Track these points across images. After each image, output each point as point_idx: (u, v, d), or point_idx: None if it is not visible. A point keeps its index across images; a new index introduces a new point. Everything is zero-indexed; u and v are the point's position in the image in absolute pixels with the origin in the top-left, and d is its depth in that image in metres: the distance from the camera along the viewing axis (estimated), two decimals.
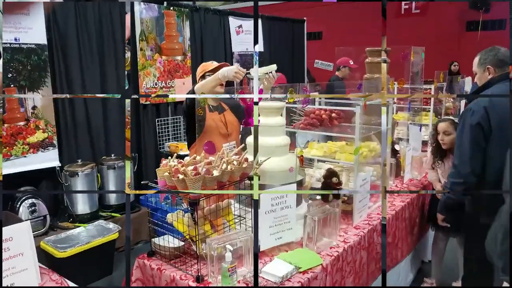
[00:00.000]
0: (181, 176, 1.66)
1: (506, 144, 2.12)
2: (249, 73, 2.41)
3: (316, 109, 2.62)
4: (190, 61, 4.53)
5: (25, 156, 3.27)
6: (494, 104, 2.18)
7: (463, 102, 4.19)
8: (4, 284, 1.55)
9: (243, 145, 2.03)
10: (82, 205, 3.53)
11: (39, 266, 1.75)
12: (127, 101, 1.40)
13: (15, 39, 3.06)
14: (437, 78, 4.03)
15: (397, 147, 3.31)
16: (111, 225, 3.38)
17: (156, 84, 4.15)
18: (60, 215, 3.61)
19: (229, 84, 2.73)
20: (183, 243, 1.91)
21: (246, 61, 5.33)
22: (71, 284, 1.81)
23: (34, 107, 3.27)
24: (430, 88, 4.00)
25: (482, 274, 2.28)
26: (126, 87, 2.62)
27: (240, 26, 5.18)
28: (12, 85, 3.13)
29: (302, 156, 2.22)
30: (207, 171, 1.70)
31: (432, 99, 4.00)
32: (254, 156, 1.48)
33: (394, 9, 9.59)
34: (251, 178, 1.89)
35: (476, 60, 2.40)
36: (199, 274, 1.71)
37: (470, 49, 7.92)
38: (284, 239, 2.01)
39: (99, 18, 3.72)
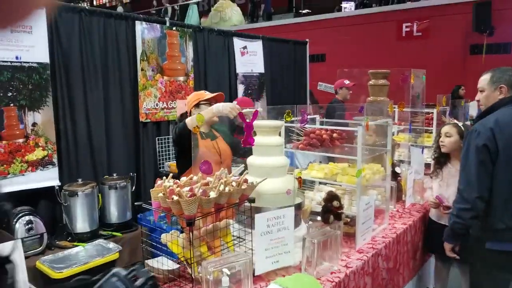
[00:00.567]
0: (175, 198, 1.63)
1: None
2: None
3: (317, 129, 2.59)
4: (193, 82, 4.54)
5: (23, 175, 3.24)
6: (500, 125, 2.14)
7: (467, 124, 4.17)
8: None
9: (242, 165, 1.99)
10: (81, 223, 3.46)
11: None
12: None
13: (16, 58, 3.07)
14: (439, 102, 4.02)
15: (398, 169, 3.27)
16: (111, 244, 3.31)
17: (157, 105, 4.15)
18: (58, 233, 3.55)
19: None
20: (178, 265, 1.86)
21: (251, 82, 5.36)
22: None
23: (34, 124, 3.26)
24: (432, 112, 3.99)
25: None
26: None
27: (245, 47, 5.23)
28: (11, 104, 3.12)
29: (300, 177, 2.17)
30: (203, 193, 1.66)
31: (435, 121, 3.98)
32: None
33: (395, 32, 9.69)
34: (251, 200, 1.85)
35: (486, 77, 2.35)
36: None
37: (475, 73, 7.95)
38: (281, 263, 1.95)
39: (104, 35, 3.75)
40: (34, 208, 3.34)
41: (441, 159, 2.97)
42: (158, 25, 4.18)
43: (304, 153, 2.70)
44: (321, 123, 2.88)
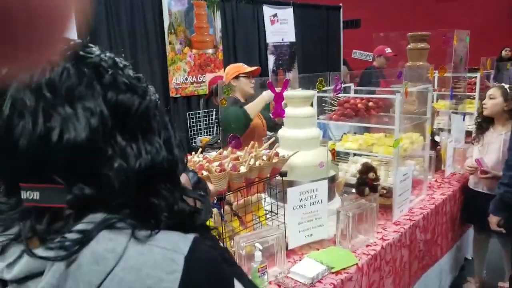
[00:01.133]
0: (205, 173, 1.60)
1: None
2: None
3: (351, 98, 2.48)
4: (222, 54, 4.47)
5: None
6: None
7: None
8: None
9: (273, 138, 1.94)
10: None
11: None
12: None
13: None
14: (484, 65, 3.75)
15: (437, 138, 3.11)
16: None
17: (186, 79, 4.12)
18: None
19: None
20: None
21: (281, 52, 5.21)
22: None
23: None
24: (476, 77, 3.73)
25: None
26: None
27: (275, 15, 5.05)
28: None
29: (334, 149, 2.09)
30: (233, 167, 1.62)
31: (478, 86, 3.73)
32: None
33: None
34: (282, 174, 1.80)
35: None
36: None
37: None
38: (315, 236, 1.91)
39: (131, 9, 3.72)
40: None
41: (483, 123, 2.79)
42: None
43: (338, 124, 2.60)
44: (356, 92, 2.75)
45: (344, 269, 1.74)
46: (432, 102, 2.91)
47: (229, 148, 1.84)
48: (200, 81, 4.22)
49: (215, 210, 1.82)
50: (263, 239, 1.65)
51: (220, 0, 4.45)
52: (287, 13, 5.25)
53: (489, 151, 2.74)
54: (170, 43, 3.94)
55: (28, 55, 0.32)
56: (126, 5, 3.69)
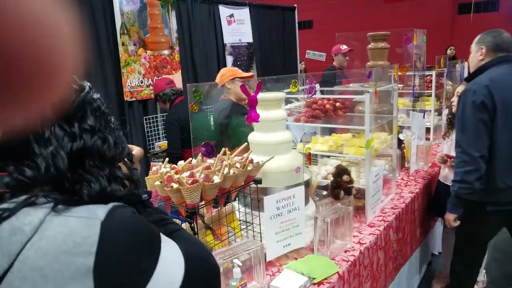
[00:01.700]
0: (175, 185, 1.45)
1: None
2: None
3: (319, 99, 2.42)
4: (179, 55, 4.28)
5: None
6: (496, 82, 2.06)
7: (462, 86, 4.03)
8: None
9: (245, 144, 1.82)
10: None
11: None
12: None
13: None
14: (438, 63, 3.85)
15: (401, 136, 3.14)
16: None
17: (141, 82, 3.90)
18: None
19: None
20: None
21: (239, 53, 5.10)
22: None
23: None
24: (431, 74, 3.83)
25: None
26: None
27: (231, 16, 4.94)
28: None
29: (310, 153, 2.01)
30: (206, 178, 1.49)
31: (433, 83, 3.83)
32: None
33: None
34: (257, 182, 1.68)
35: (476, 38, 2.30)
36: None
37: (464, 33, 7.79)
38: (293, 245, 1.82)
39: (78, 8, 3.45)
40: None
41: (453, 119, 2.84)
42: None
43: (298, 125, 2.53)
44: (321, 92, 2.70)
45: (325, 278, 1.66)
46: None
47: (199, 156, 1.70)
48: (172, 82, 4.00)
49: (186, 225, 1.68)
50: (241, 254, 1.53)
51: None
52: (243, 14, 5.16)
53: None
54: (123, 44, 3.70)
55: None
56: (73, 5, 3.41)
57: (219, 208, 1.69)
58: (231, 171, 1.58)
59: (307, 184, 1.94)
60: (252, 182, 1.71)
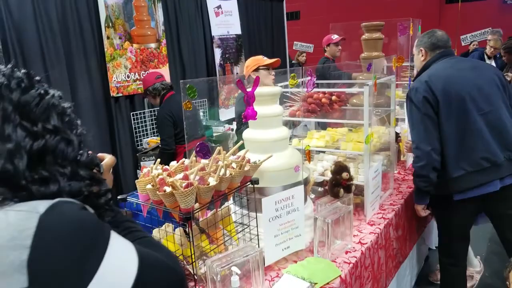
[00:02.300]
0: (168, 189, 1.35)
1: (457, 117, 2.10)
2: None
3: (314, 93, 2.33)
4: (166, 49, 4.13)
5: None
6: (434, 77, 2.17)
7: None
8: None
9: (241, 142, 1.72)
10: None
11: None
12: None
13: None
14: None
15: (397, 129, 3.07)
16: None
17: (128, 77, 3.75)
18: None
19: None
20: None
21: (228, 45, 4.96)
22: None
23: None
24: None
25: None
26: None
27: (219, 7, 4.78)
28: None
29: (309, 150, 1.92)
30: (201, 180, 1.39)
31: None
32: None
33: None
34: (254, 182, 1.59)
35: (415, 42, 2.45)
36: None
37: (452, 22, 7.77)
38: (292, 248, 1.74)
39: (61, 1, 3.28)
40: None
41: None
42: None
43: (290, 120, 2.44)
44: (317, 86, 2.60)
45: (328, 283, 1.58)
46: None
47: (192, 157, 1.60)
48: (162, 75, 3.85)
49: (180, 230, 1.58)
50: (239, 260, 1.44)
51: None
52: (231, 5, 5.02)
53: None
54: (108, 37, 3.54)
55: None
56: None
57: (215, 211, 1.60)
58: (227, 172, 1.48)
59: (305, 182, 1.86)
60: (249, 183, 1.62)
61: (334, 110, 2.39)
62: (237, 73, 5.01)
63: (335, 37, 4.81)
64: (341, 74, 3.55)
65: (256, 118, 1.52)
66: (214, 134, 4.19)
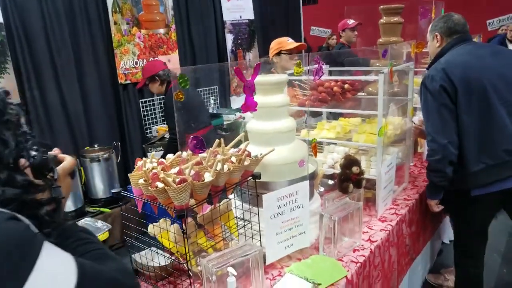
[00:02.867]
0: (160, 185, 1.26)
1: (477, 107, 1.96)
2: None
3: (325, 81, 2.20)
4: (176, 34, 4.03)
5: None
6: (452, 64, 2.02)
7: None
8: None
9: (242, 134, 1.62)
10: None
11: None
12: None
13: None
14: None
15: (415, 119, 2.91)
16: (99, 223, 3.02)
17: (136, 63, 3.67)
18: None
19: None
20: (172, 258, 1.54)
21: (240, 31, 4.82)
22: None
23: None
24: None
25: None
26: None
27: None
28: None
29: (315, 144, 1.81)
30: (196, 176, 1.29)
31: None
32: None
33: None
34: (256, 177, 1.49)
35: (429, 27, 2.28)
36: None
37: (477, 5, 7.40)
38: (296, 246, 1.64)
39: None
40: None
41: None
42: None
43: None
44: (329, 73, 2.48)
45: (332, 284, 1.48)
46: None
47: (189, 150, 1.51)
48: (165, 63, 3.77)
49: (175, 227, 1.50)
50: (237, 260, 1.35)
51: None
52: None
53: None
54: (115, 23, 3.46)
55: None
56: None
57: (213, 207, 1.51)
58: (225, 166, 1.39)
59: (312, 176, 1.75)
60: (250, 177, 1.52)
61: (347, 99, 2.25)
62: (249, 60, 4.89)
63: (351, 21, 4.60)
64: (356, 61, 3.39)
65: (256, 109, 1.41)
66: (225, 123, 4.12)
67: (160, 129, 3.79)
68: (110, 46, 3.50)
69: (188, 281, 1.43)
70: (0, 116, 0.70)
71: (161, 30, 3.86)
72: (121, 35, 3.51)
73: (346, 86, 2.20)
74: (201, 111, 3.27)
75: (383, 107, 1.85)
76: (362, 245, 1.76)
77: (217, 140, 1.53)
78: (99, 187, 3.36)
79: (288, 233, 1.59)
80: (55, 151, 0.93)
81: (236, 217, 1.64)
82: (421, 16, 2.58)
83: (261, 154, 1.51)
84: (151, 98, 3.84)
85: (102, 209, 3.32)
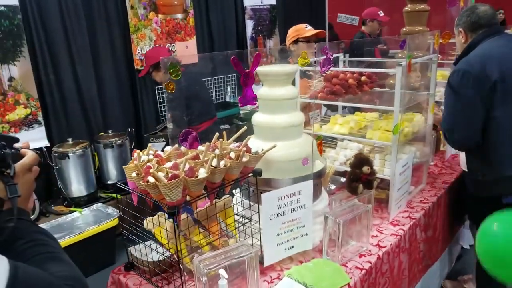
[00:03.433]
0: (152, 180, 1.20)
1: None
2: None
3: (340, 72, 2.07)
4: (193, 20, 3.95)
5: None
6: (484, 58, 1.85)
7: None
8: None
9: (244, 128, 1.53)
10: (76, 186, 3.17)
11: None
12: None
13: None
14: None
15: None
16: (110, 209, 3.04)
17: None
18: (55, 198, 3.28)
19: None
20: (165, 255, 1.48)
21: (261, 17, 4.69)
22: None
23: (11, 79, 2.83)
24: None
25: None
26: None
27: None
28: None
29: (321, 141, 1.70)
30: (189, 172, 1.22)
31: None
32: None
33: None
34: (256, 173, 1.41)
35: (456, 19, 2.13)
36: None
37: None
38: (297, 248, 1.56)
39: None
40: None
41: None
42: None
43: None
44: (345, 63, 2.34)
45: None
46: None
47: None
48: (169, 51, 3.72)
49: (168, 224, 1.44)
50: (230, 261, 1.28)
51: None
52: None
53: None
54: (132, 7, 3.41)
55: None
56: None
57: (210, 204, 1.44)
58: (222, 162, 1.31)
59: (319, 175, 1.65)
60: (251, 174, 1.44)
61: (364, 92, 2.12)
62: (270, 47, 4.76)
63: (382, 14, 4.37)
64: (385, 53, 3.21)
65: (254, 103, 1.32)
66: (242, 112, 4.04)
67: None
68: (126, 31, 3.46)
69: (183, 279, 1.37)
70: None
71: (179, 15, 3.79)
72: (138, 20, 3.46)
73: (363, 78, 2.07)
74: (205, 103, 3.15)
75: (399, 102, 1.71)
76: (370, 250, 1.66)
77: (217, 134, 1.45)
78: (112, 173, 3.37)
79: (289, 234, 1.50)
80: (24, 144, 0.87)
81: (237, 214, 1.57)
82: (448, 4, 2.39)
83: (262, 150, 1.43)
84: None
85: (114, 195, 3.33)
